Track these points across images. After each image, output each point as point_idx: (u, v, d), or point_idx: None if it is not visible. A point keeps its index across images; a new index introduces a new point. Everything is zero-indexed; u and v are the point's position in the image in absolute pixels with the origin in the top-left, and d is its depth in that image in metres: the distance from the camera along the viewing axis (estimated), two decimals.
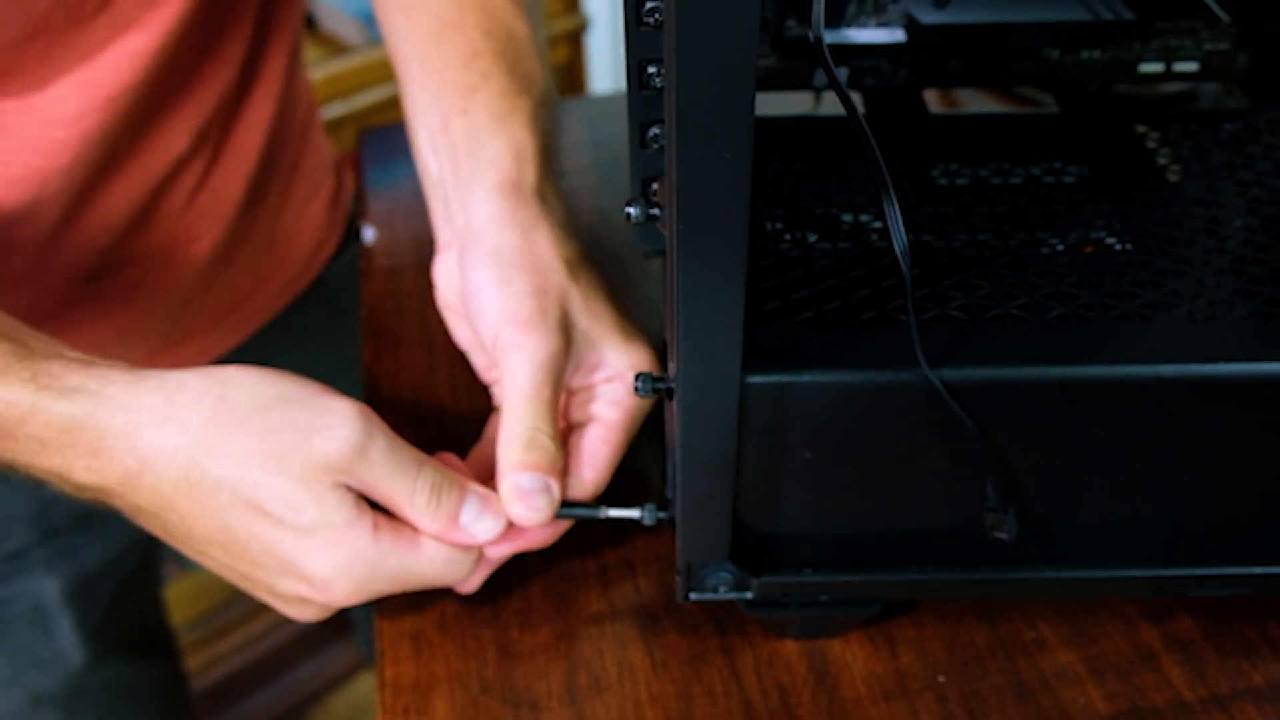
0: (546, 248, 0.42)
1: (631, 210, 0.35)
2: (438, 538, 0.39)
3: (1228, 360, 0.34)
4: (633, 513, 0.41)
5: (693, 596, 0.40)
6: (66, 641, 0.62)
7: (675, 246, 0.30)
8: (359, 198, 0.67)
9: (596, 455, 0.42)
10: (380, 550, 0.38)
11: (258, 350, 0.63)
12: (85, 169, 0.48)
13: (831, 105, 0.48)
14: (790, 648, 0.42)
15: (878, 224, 0.41)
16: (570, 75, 1.26)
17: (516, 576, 0.44)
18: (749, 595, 0.40)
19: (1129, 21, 0.44)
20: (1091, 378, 0.34)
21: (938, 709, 0.40)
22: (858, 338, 0.35)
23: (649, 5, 0.32)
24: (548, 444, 0.39)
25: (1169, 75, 0.46)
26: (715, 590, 0.40)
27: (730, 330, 0.31)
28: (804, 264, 0.39)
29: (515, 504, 0.39)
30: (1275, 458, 0.36)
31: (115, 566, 0.64)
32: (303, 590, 0.38)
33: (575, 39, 1.27)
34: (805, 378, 0.34)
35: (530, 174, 0.44)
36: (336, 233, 0.68)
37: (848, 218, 0.41)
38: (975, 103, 0.65)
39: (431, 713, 0.40)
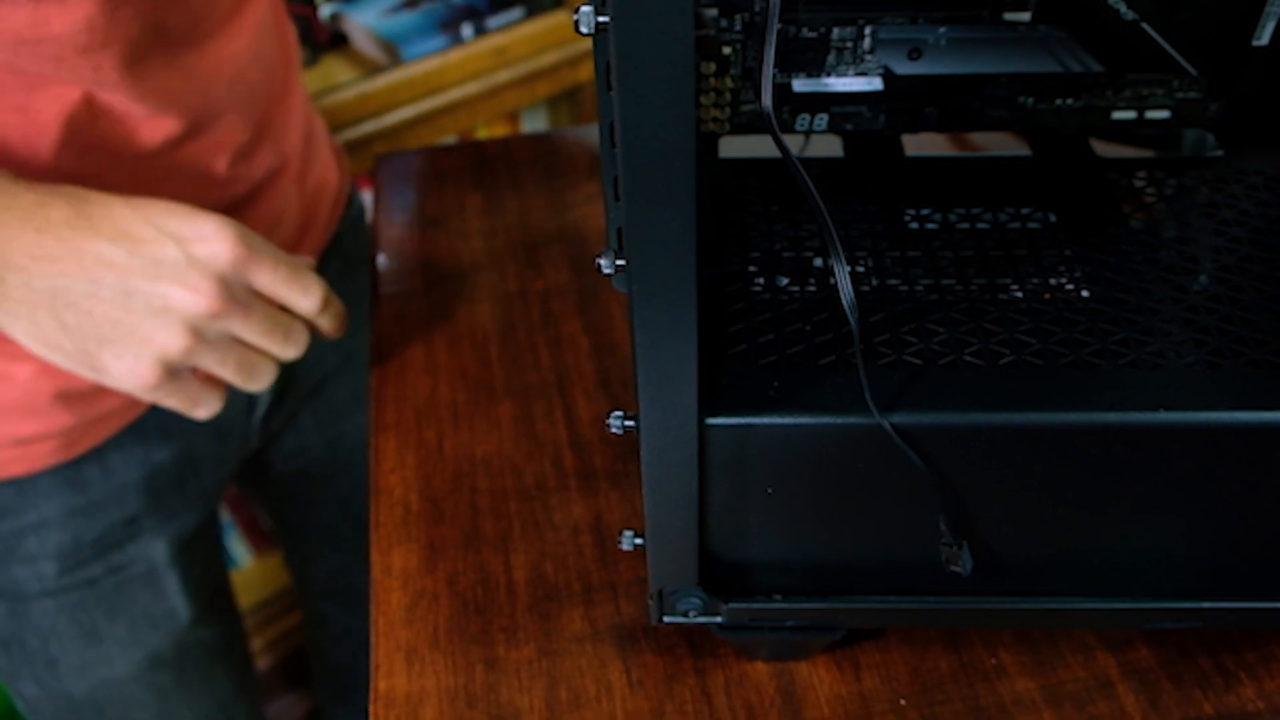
0: None
1: (602, 261, 0.37)
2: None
3: (1166, 409, 0.36)
4: None
5: (666, 620, 0.43)
6: (175, 600, 0.68)
7: (632, 301, 0.32)
8: (373, 224, 0.70)
9: None
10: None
11: None
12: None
13: (816, 148, 0.51)
14: (760, 669, 0.44)
15: (846, 268, 0.43)
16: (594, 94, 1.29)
17: (505, 595, 0.47)
18: (719, 620, 0.42)
19: (1099, 73, 0.46)
20: (1033, 424, 0.36)
21: None
22: (816, 381, 0.38)
23: None
24: None
25: (1141, 122, 0.48)
26: (686, 615, 0.42)
27: (685, 378, 0.34)
28: (773, 307, 0.41)
29: None
30: (1214, 499, 0.38)
31: (204, 529, 0.71)
32: (171, 252, 0.46)
33: None
34: (763, 420, 0.36)
35: None
36: (344, 192, 0.74)
37: (818, 262, 0.43)
38: (994, 142, 0.67)
39: None
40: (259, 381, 0.51)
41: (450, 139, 1.12)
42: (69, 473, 0.60)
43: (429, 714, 0.43)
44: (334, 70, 1.10)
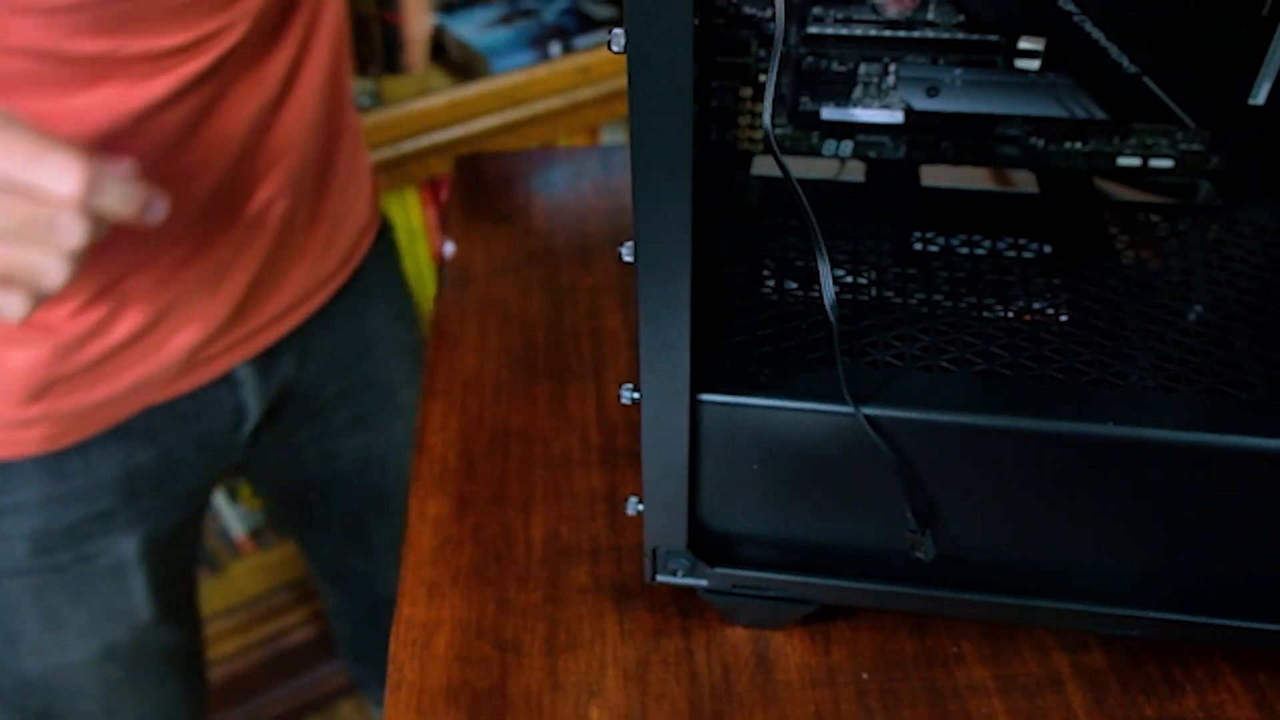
0: None
1: (623, 250, 0.42)
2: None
3: (1116, 423, 0.39)
4: None
5: (658, 578, 0.47)
6: (138, 598, 0.70)
7: (637, 281, 0.37)
8: (445, 215, 0.77)
9: None
10: None
11: (301, 336, 0.70)
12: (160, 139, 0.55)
13: (846, 172, 0.55)
14: (739, 634, 0.48)
15: (848, 279, 0.47)
16: None
17: (522, 548, 0.52)
18: (705, 583, 0.47)
19: (1104, 120, 0.50)
20: (992, 426, 0.40)
21: (856, 701, 0.46)
22: (803, 372, 0.42)
23: None
24: None
25: (1145, 170, 0.51)
26: (675, 574, 0.47)
27: (679, 353, 0.39)
28: (777, 307, 0.46)
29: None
30: (1158, 513, 0.41)
31: (181, 533, 0.72)
32: None
33: None
34: (750, 400, 0.41)
35: None
36: (373, 230, 0.75)
37: None
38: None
39: (434, 647, 0.48)
40: (40, 283, 0.45)
41: (533, 148, 1.19)
42: (51, 463, 0.61)
43: (442, 639, 0.48)
44: (430, 78, 1.18)
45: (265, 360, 0.69)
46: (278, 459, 0.78)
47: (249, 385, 0.69)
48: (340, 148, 0.68)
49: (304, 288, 0.68)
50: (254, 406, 0.70)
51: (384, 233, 0.77)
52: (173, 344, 0.62)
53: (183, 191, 0.56)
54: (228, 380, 0.67)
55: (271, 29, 0.58)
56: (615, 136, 1.32)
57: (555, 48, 1.15)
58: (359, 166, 0.71)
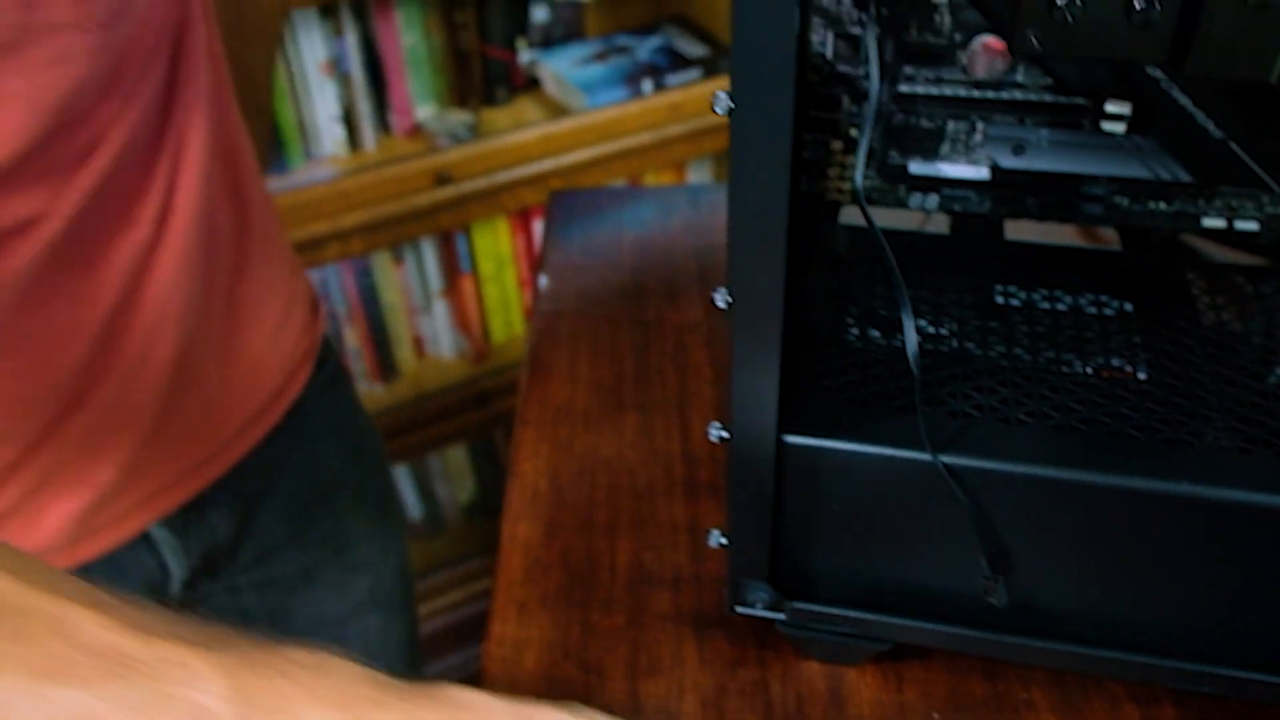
0: None
1: (716, 296, 0.45)
2: None
3: (1191, 482, 0.41)
4: None
5: (737, 609, 0.50)
6: None
7: (732, 328, 0.40)
8: (542, 249, 0.80)
9: None
10: None
11: (235, 486, 0.64)
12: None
13: (931, 224, 0.57)
14: (814, 668, 0.50)
15: (930, 329, 0.49)
16: None
17: (607, 573, 0.55)
18: (783, 616, 0.49)
19: (1189, 182, 0.51)
20: (1067, 480, 0.41)
21: None
22: (885, 418, 0.44)
23: None
24: None
25: (1230, 232, 0.52)
26: (754, 606, 0.49)
27: (768, 396, 0.41)
28: (861, 354, 0.48)
29: None
30: (1234, 571, 0.42)
31: None
32: None
33: None
34: (834, 444, 0.43)
35: None
36: (309, 363, 0.68)
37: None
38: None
39: (523, 664, 0.51)
40: None
41: (620, 182, 1.23)
42: None
43: (530, 657, 0.51)
44: (525, 110, 1.23)
45: (184, 517, 0.62)
46: (225, 607, 0.69)
47: (167, 545, 0.62)
48: (246, 278, 0.61)
49: (220, 436, 0.62)
50: (177, 566, 0.63)
51: (326, 361, 0.70)
52: (50, 516, 0.56)
53: (41, 357, 0.50)
54: (145, 539, 0.61)
55: (137, 167, 0.51)
56: (702, 172, 1.35)
57: (648, 85, 1.19)
58: (280, 293, 0.64)
